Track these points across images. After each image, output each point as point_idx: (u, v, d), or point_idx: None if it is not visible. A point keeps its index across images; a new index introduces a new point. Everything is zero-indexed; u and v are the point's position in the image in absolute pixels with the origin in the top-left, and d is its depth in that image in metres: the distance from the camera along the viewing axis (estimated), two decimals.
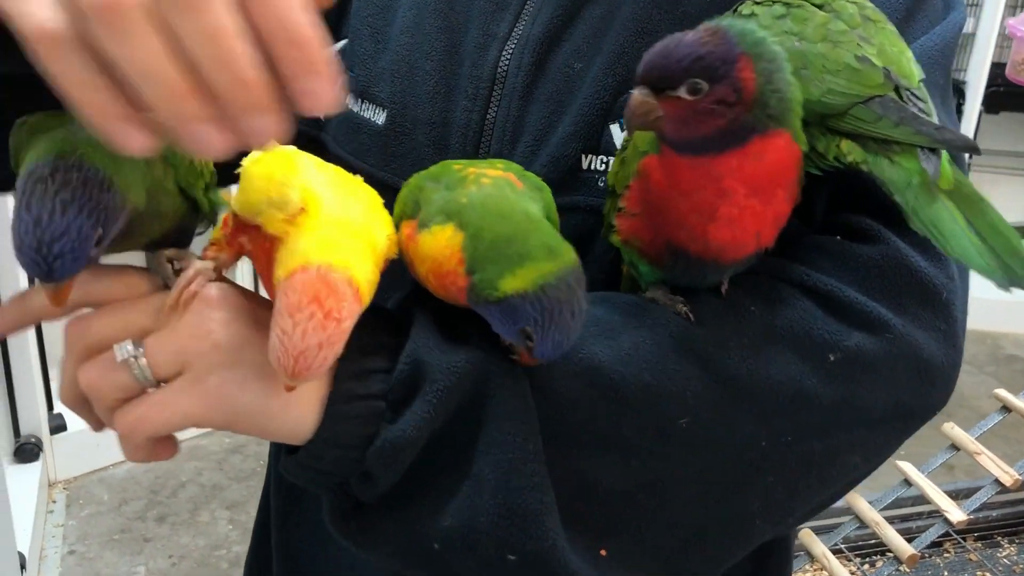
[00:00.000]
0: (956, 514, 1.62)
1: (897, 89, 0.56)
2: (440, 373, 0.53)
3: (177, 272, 0.55)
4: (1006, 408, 1.74)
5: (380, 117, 0.76)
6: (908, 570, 1.59)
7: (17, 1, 0.37)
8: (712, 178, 0.52)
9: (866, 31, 0.57)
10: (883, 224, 0.61)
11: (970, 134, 4.00)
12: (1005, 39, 3.88)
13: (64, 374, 0.54)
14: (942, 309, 0.61)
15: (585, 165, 0.68)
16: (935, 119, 0.57)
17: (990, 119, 4.09)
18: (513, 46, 0.71)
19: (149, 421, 0.51)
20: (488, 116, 0.72)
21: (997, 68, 3.91)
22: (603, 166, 0.67)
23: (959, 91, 3.99)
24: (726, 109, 0.50)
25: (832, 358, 0.58)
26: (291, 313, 0.45)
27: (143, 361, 0.51)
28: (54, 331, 2.60)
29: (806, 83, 0.56)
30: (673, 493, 0.58)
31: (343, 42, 0.80)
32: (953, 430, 1.75)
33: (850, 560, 2.00)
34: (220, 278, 0.55)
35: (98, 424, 0.54)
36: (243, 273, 2.93)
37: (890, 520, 1.78)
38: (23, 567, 2.37)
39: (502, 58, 0.71)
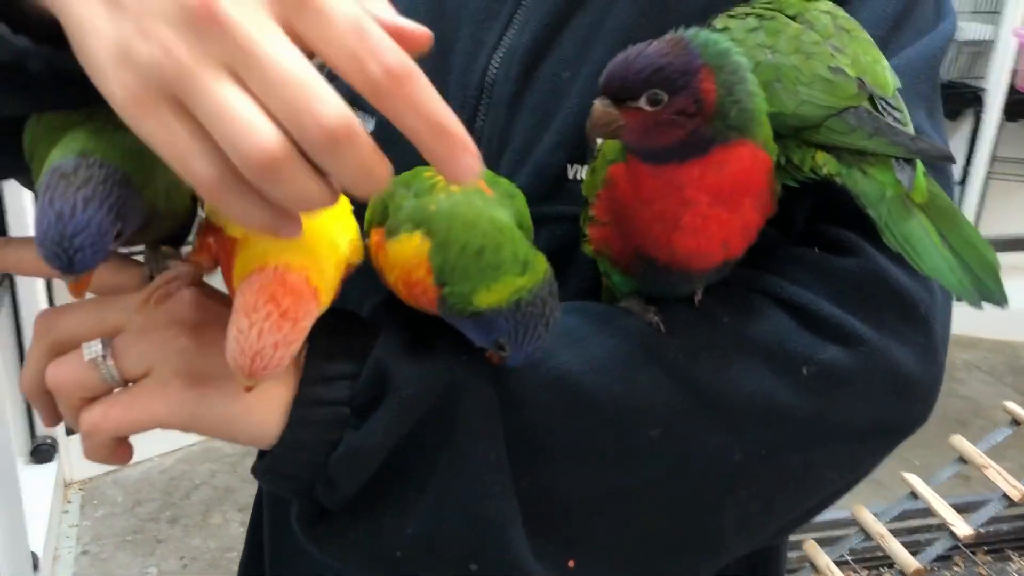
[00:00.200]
0: (962, 528, 1.60)
1: (872, 99, 0.56)
2: (405, 381, 0.53)
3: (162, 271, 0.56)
4: (1016, 421, 1.72)
5: (369, 124, 0.76)
6: None
7: (103, 69, 0.38)
8: (674, 187, 0.52)
9: (839, 41, 0.57)
10: (862, 236, 0.60)
11: (988, 143, 3.97)
12: None
13: (28, 364, 0.54)
14: (921, 323, 0.60)
15: (571, 175, 0.68)
16: (911, 129, 0.56)
17: (1010, 127, 4.05)
18: (501, 55, 0.72)
19: (112, 421, 0.51)
20: (476, 125, 0.72)
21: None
22: None
23: (977, 99, 3.96)
24: (686, 120, 0.50)
25: (806, 371, 0.57)
26: (247, 313, 0.45)
27: (110, 361, 0.51)
28: None
29: (780, 96, 0.56)
30: (644, 504, 0.58)
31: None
32: (961, 443, 1.73)
33: (856, 572, 1.98)
34: (199, 282, 0.56)
35: (54, 419, 0.54)
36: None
37: (897, 533, 1.76)
38: (36, 567, 2.40)
39: (490, 67, 0.72)
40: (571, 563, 0.57)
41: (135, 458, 0.55)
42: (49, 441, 2.86)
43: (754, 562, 0.73)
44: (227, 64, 0.37)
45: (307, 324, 0.47)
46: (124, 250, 0.56)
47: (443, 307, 0.51)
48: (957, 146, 4.12)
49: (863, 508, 1.74)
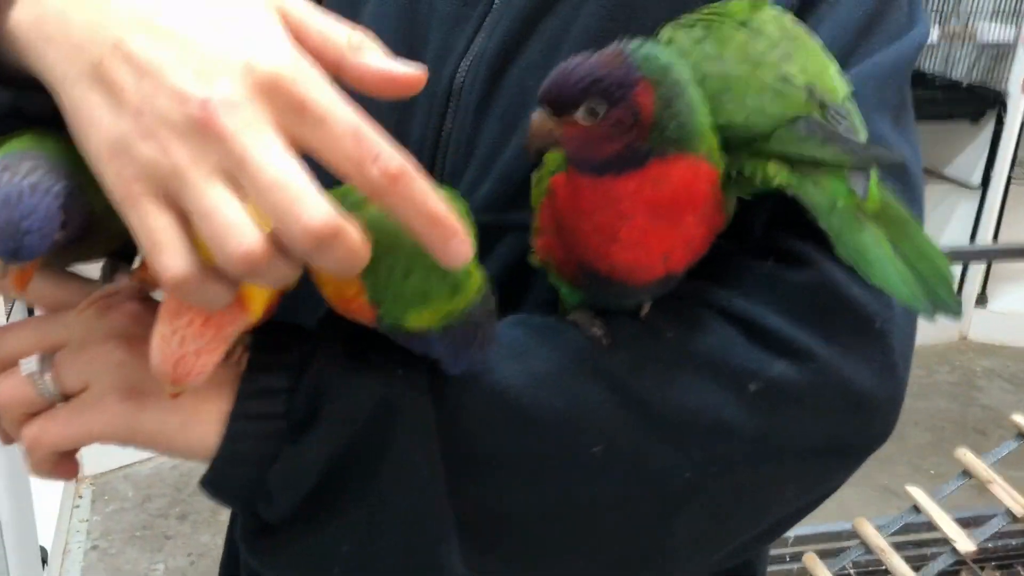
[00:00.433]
0: (964, 544, 1.58)
1: (822, 106, 0.54)
2: (340, 397, 0.52)
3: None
4: (1022, 435, 1.69)
5: None
6: None
7: (100, 157, 0.41)
8: (612, 200, 0.52)
9: (787, 48, 0.56)
10: (819, 248, 0.58)
11: (1010, 146, 3.91)
12: None
13: None
14: (877, 339, 0.58)
15: (535, 183, 0.67)
16: (863, 135, 0.55)
17: None
18: (470, 61, 0.71)
19: (51, 436, 0.51)
20: (443, 131, 0.72)
21: None
22: None
23: (999, 102, 3.90)
24: (623, 133, 0.49)
25: (753, 387, 0.56)
26: (170, 319, 0.45)
27: (47, 376, 0.52)
28: None
29: (728, 107, 0.54)
30: (591, 520, 0.57)
31: None
32: (966, 456, 1.70)
33: None
34: (143, 298, 0.56)
35: (5, 437, 0.55)
36: None
37: (900, 546, 1.74)
38: (45, 561, 2.42)
39: (458, 72, 0.71)
40: None
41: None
42: None
43: None
44: (220, 168, 0.39)
45: (231, 332, 0.47)
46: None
47: (380, 325, 0.51)
48: (978, 150, 4.06)
49: (864, 521, 1.72)
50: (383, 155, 0.41)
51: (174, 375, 0.46)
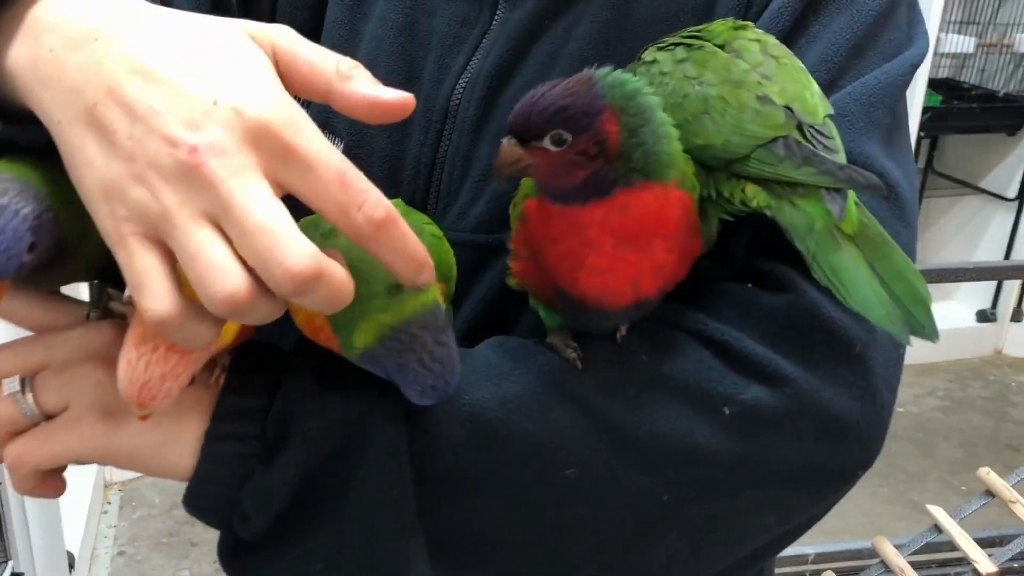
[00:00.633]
0: (986, 565, 1.54)
1: (801, 126, 0.54)
2: (311, 419, 0.53)
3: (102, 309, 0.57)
4: None
5: (338, 147, 0.77)
6: None
7: (94, 198, 0.42)
8: (579, 228, 0.52)
9: (768, 69, 0.55)
10: (800, 272, 0.58)
11: None
12: None
13: None
14: (857, 363, 0.57)
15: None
16: (842, 156, 0.55)
17: None
18: (466, 81, 0.72)
19: (31, 455, 0.53)
20: (440, 150, 0.72)
21: None
22: None
23: None
24: (587, 161, 0.49)
25: (727, 411, 0.56)
26: (136, 344, 0.46)
27: (29, 396, 0.53)
28: None
29: (708, 128, 0.54)
30: (566, 544, 0.57)
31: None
32: (988, 476, 1.67)
33: None
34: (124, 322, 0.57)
35: None
36: None
37: (921, 566, 1.71)
38: (72, 566, 2.46)
39: (455, 92, 0.72)
40: None
41: None
42: None
43: None
44: (207, 212, 0.40)
45: (197, 357, 0.48)
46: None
47: (345, 353, 0.52)
48: (1014, 162, 3.99)
49: (884, 540, 1.69)
50: (368, 202, 0.42)
51: (139, 399, 0.47)
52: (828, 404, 0.57)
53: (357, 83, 0.46)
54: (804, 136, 0.54)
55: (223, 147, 0.40)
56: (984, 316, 4.19)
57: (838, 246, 0.52)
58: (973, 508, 1.66)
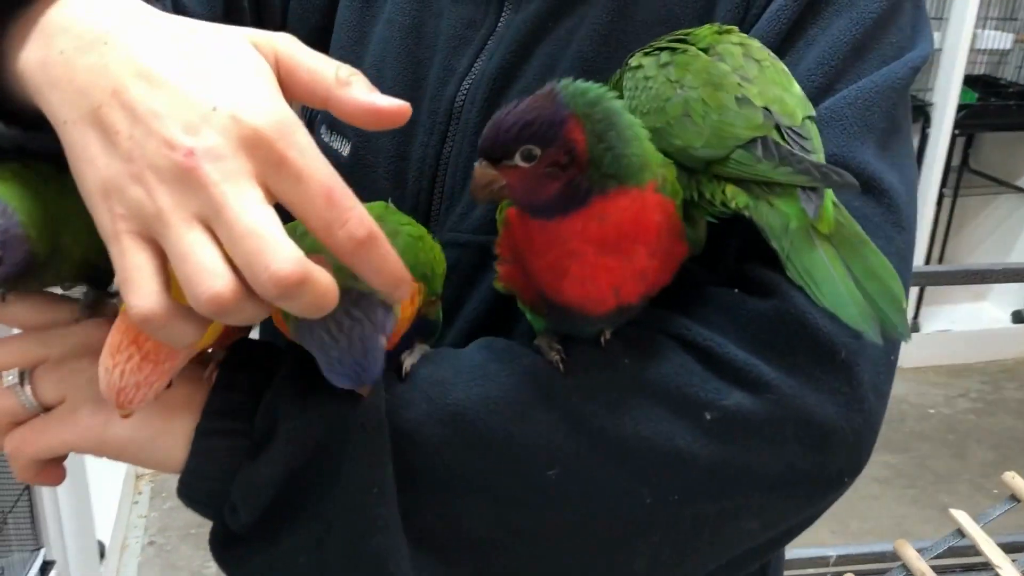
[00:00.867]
0: (1009, 571, 1.52)
1: (779, 128, 0.54)
2: (297, 416, 0.54)
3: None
4: None
5: (345, 148, 0.78)
6: None
7: (93, 195, 0.43)
8: (560, 240, 0.52)
9: (748, 71, 0.55)
10: (787, 276, 0.58)
11: None
12: None
13: None
14: (842, 370, 0.57)
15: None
16: (820, 157, 0.54)
17: None
18: (470, 82, 0.72)
19: (29, 445, 0.55)
20: (444, 151, 0.73)
21: None
22: None
23: None
24: (560, 171, 0.50)
25: (709, 417, 0.56)
26: (112, 353, 0.48)
27: (27, 389, 0.55)
28: None
29: (688, 130, 0.55)
30: (549, 543, 0.58)
31: None
32: (1014, 480, 1.64)
33: None
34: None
35: None
36: None
37: (944, 570, 1.69)
38: (103, 555, 2.51)
39: (459, 94, 0.72)
40: None
41: None
42: None
43: None
44: (200, 214, 0.41)
45: (170, 365, 0.49)
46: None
47: (289, 334, 0.52)
48: None
49: (906, 543, 1.67)
50: (352, 221, 0.43)
51: (118, 402, 0.48)
52: (811, 410, 0.56)
53: (355, 90, 0.47)
54: (783, 137, 0.54)
55: (219, 152, 0.41)
56: (1019, 317, 4.12)
57: (812, 245, 0.52)
58: (997, 513, 1.64)
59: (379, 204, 0.61)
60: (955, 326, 4.13)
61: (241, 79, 0.44)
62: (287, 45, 0.48)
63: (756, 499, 0.58)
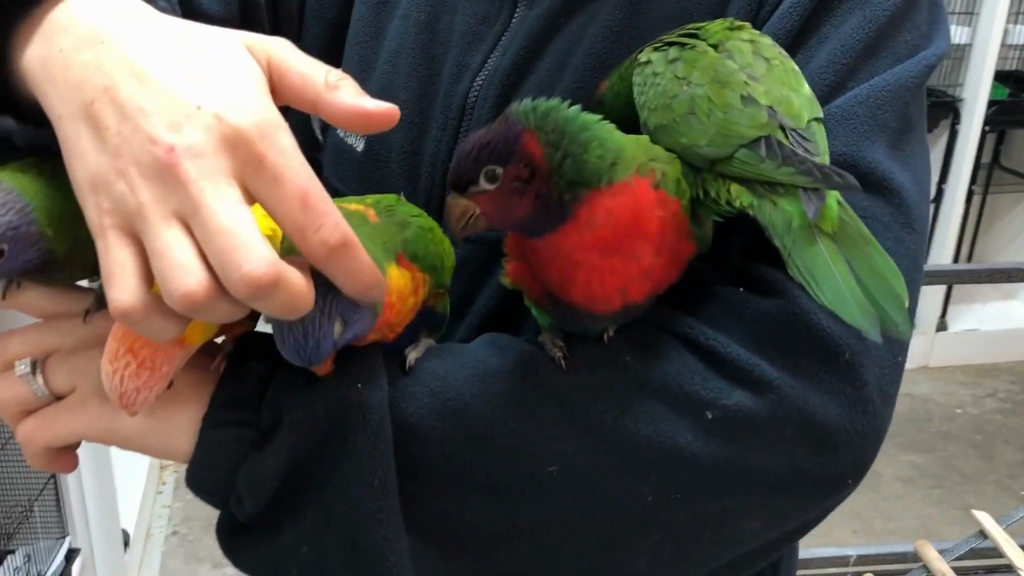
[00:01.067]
0: None
1: (783, 129, 0.54)
2: (300, 408, 0.54)
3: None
4: None
5: (359, 144, 0.79)
6: None
7: (82, 188, 0.44)
8: (562, 255, 0.53)
9: (756, 69, 0.55)
10: (790, 276, 0.58)
11: None
12: None
13: None
14: (846, 371, 0.56)
15: None
16: (824, 158, 0.54)
17: None
18: (483, 78, 0.72)
19: (40, 433, 0.56)
20: (457, 147, 0.73)
21: None
22: None
23: None
24: (525, 186, 0.51)
25: (710, 416, 0.55)
26: (110, 359, 0.49)
27: (39, 378, 0.56)
28: None
29: (694, 128, 0.54)
30: (550, 540, 0.58)
31: None
32: None
33: None
34: None
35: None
36: None
37: (965, 572, 1.67)
38: (127, 544, 2.54)
39: (472, 89, 0.73)
40: None
41: None
42: None
43: None
44: (178, 211, 0.42)
45: (168, 369, 0.50)
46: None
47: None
48: None
49: (927, 544, 1.66)
50: (325, 227, 0.43)
51: (121, 404, 0.49)
52: (813, 411, 0.56)
53: (343, 94, 0.48)
54: (787, 137, 0.54)
55: (199, 149, 0.42)
56: None
57: (814, 244, 0.51)
58: (1020, 515, 1.61)
59: (391, 196, 0.61)
60: (983, 325, 4.07)
61: (230, 80, 0.45)
62: (280, 49, 0.49)
63: (758, 499, 0.58)
